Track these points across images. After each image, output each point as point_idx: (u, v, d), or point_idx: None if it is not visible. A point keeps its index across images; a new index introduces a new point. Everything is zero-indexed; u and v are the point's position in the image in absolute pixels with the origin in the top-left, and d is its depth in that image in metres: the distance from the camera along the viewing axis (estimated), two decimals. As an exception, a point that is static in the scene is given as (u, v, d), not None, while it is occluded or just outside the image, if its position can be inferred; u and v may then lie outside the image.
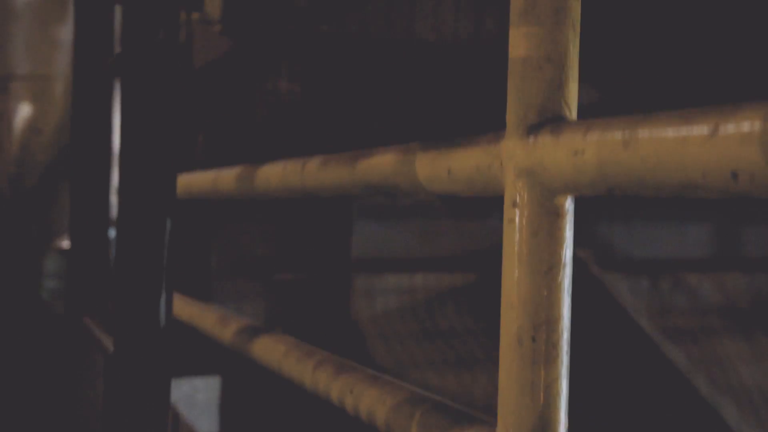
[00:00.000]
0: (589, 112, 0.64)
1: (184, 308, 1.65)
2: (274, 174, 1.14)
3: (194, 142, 2.78)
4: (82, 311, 1.65)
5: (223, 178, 1.39)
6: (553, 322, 0.62)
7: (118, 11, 1.77)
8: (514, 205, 0.64)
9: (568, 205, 0.63)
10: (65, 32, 2.38)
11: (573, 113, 0.64)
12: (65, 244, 2.34)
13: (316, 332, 2.83)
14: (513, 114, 0.65)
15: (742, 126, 0.45)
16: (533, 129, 0.63)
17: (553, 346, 0.62)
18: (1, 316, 2.42)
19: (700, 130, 0.47)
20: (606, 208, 3.26)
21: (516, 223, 0.64)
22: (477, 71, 2.52)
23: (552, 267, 0.62)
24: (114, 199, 2.07)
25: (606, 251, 3.31)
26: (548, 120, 0.63)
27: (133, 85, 1.27)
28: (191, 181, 1.59)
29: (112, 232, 2.17)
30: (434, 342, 2.94)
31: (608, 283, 3.10)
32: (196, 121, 2.65)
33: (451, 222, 3.15)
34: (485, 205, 3.15)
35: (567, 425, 0.63)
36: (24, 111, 2.40)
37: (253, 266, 2.88)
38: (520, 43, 0.63)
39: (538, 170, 0.62)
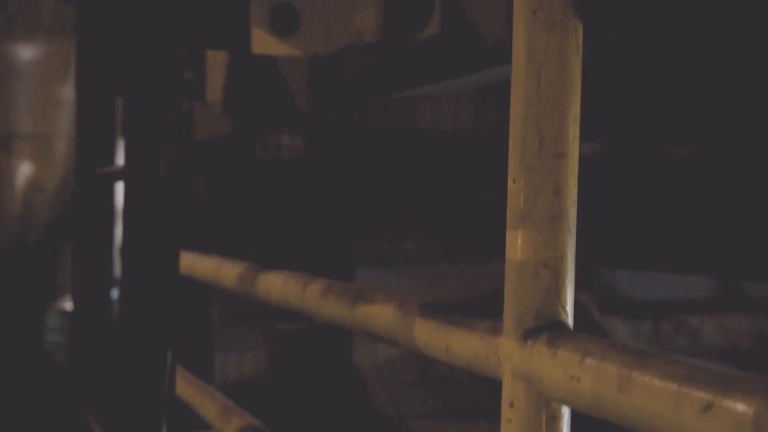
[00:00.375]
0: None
1: (188, 389, 1.65)
2: (275, 287, 1.15)
3: (195, 184, 2.78)
4: (83, 406, 1.66)
5: (226, 272, 1.39)
6: None
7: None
8: (511, 406, 0.64)
9: (565, 409, 0.64)
10: (67, 91, 2.39)
11: (570, 318, 0.64)
12: (68, 305, 2.34)
13: (318, 380, 2.84)
14: (510, 314, 0.65)
15: (737, 407, 0.46)
16: (530, 334, 0.64)
17: None
18: (3, 368, 2.43)
19: (694, 403, 0.48)
20: (608, 251, 3.26)
21: (512, 424, 0.64)
22: (475, 159, 2.54)
23: (549, 474, 0.62)
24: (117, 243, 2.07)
25: (608, 293, 3.31)
26: (545, 326, 0.63)
27: (135, 192, 1.27)
28: (194, 264, 1.59)
29: (115, 293, 2.18)
30: (435, 390, 2.94)
31: (610, 329, 3.10)
32: (197, 165, 2.66)
33: (452, 267, 3.15)
34: (487, 251, 3.16)
35: None
36: (26, 169, 2.40)
37: (254, 315, 2.88)
38: (517, 246, 0.64)
39: (535, 379, 0.62)
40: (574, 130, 0.59)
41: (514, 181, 0.60)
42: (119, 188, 2.01)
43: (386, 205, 2.82)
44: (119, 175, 1.43)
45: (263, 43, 0.96)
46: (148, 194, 1.27)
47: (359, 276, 3.03)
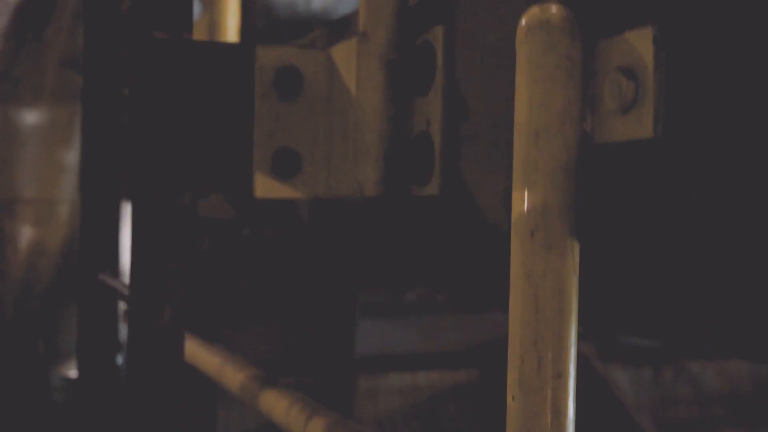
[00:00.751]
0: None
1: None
2: (277, 409, 1.16)
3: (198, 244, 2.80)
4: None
5: (228, 375, 1.40)
6: None
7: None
8: None
9: None
10: (71, 156, 2.41)
11: None
12: (72, 373, 2.35)
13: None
14: None
15: None
16: None
17: None
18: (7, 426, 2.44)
19: None
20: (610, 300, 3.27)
21: None
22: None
23: None
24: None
25: (609, 341, 3.32)
26: None
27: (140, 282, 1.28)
28: (198, 354, 1.60)
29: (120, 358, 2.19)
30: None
31: (610, 378, 3.11)
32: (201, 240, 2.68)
33: (453, 316, 3.16)
34: (486, 299, 3.16)
35: None
36: (30, 233, 2.42)
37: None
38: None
39: None
40: (572, 351, 0.60)
41: (513, 398, 0.62)
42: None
43: (386, 259, 2.84)
44: (121, 294, 1.45)
45: (265, 187, 0.97)
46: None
47: (361, 326, 3.04)
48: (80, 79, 1.95)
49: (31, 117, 2.42)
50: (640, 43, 0.59)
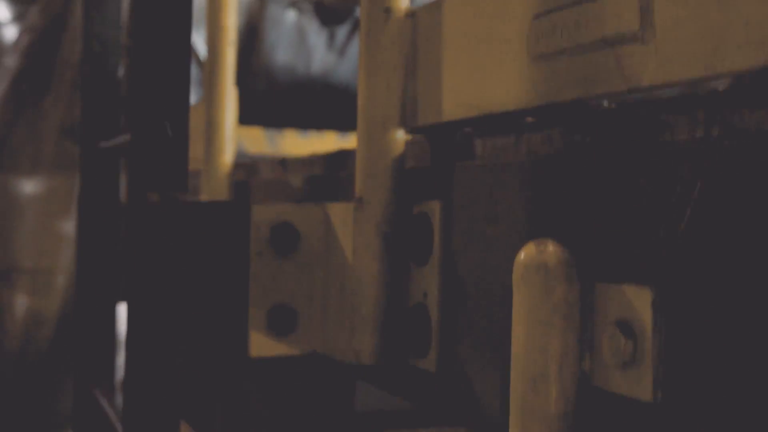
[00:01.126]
0: None
1: None
2: None
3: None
4: None
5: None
6: None
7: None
8: None
9: None
10: (69, 226, 2.40)
11: None
12: (67, 448, 2.34)
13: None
14: None
15: None
16: None
17: None
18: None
19: None
20: None
21: None
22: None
23: None
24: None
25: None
26: None
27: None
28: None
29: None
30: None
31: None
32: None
33: None
34: None
35: None
36: (27, 303, 2.41)
37: None
38: None
39: None
40: None
41: None
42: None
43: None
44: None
45: (261, 345, 0.96)
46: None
47: None
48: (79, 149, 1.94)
49: (29, 186, 2.42)
50: (639, 300, 0.58)
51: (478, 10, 0.82)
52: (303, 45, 2.62)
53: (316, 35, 2.63)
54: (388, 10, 0.91)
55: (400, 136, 0.91)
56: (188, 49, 1.00)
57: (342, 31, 2.62)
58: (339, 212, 0.96)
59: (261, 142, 2.59)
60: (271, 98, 2.68)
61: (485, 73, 0.79)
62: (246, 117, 2.50)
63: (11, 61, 2.49)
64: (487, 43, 0.79)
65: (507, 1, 0.77)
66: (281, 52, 2.61)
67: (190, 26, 1.03)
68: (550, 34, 0.69)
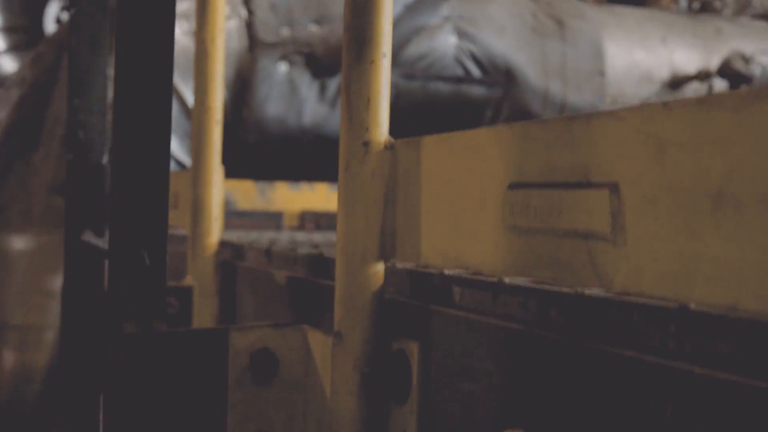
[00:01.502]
0: None
1: None
2: None
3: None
4: None
5: None
6: None
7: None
8: None
9: None
10: (58, 282, 2.38)
11: None
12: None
13: None
14: None
15: None
16: None
17: None
18: None
19: None
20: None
21: None
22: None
23: None
24: None
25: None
26: None
27: None
28: None
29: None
30: None
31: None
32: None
33: None
34: None
35: None
36: (16, 359, 2.39)
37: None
38: None
39: None
40: None
41: None
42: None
43: None
44: None
45: None
46: None
47: None
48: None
49: (19, 242, 2.41)
50: None
51: (455, 155, 0.81)
52: (294, 97, 2.62)
53: (308, 87, 2.62)
54: (367, 143, 0.90)
55: (380, 269, 0.90)
56: (167, 171, 0.99)
57: (333, 83, 2.61)
58: (318, 341, 0.96)
59: (252, 195, 2.58)
60: (263, 150, 2.68)
61: (461, 230, 0.78)
62: (237, 170, 2.50)
63: (2, 114, 2.49)
64: (463, 200, 0.78)
65: (483, 157, 0.76)
66: (272, 105, 2.60)
67: (168, 142, 1.02)
68: (524, 210, 0.68)
